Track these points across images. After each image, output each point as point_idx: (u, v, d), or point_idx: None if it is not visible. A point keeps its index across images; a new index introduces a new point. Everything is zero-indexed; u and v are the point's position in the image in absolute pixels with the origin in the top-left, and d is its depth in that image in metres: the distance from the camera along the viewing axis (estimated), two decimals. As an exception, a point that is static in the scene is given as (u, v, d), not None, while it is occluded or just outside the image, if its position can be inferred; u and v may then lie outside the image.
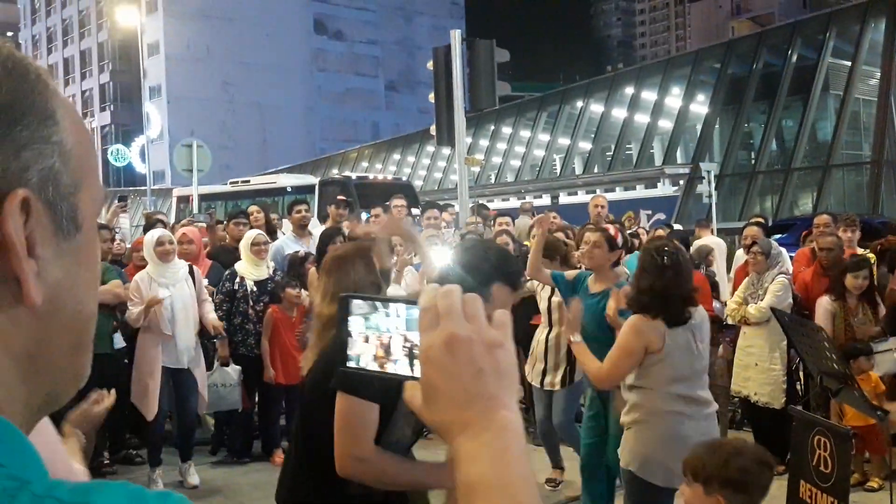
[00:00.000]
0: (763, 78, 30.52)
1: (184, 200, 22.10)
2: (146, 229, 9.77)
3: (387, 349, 0.98)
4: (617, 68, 64.75)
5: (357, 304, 1.00)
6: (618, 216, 10.13)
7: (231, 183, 23.53)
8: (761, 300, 6.96)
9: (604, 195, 11.12)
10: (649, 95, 34.32)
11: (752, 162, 30.49)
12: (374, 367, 0.99)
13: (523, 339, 6.80)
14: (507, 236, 8.78)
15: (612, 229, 5.71)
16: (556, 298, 6.45)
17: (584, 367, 4.61)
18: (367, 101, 71.34)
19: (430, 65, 13.35)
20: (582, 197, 26.74)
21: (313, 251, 7.77)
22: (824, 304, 6.99)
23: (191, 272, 6.93)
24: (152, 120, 45.98)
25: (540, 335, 6.61)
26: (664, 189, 28.62)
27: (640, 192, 29.94)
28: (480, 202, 16.92)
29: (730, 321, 7.47)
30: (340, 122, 68.66)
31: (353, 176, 21.81)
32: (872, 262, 7.33)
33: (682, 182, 29.14)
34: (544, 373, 6.47)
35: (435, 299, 0.93)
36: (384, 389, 2.66)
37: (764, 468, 2.83)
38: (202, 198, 20.12)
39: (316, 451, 2.81)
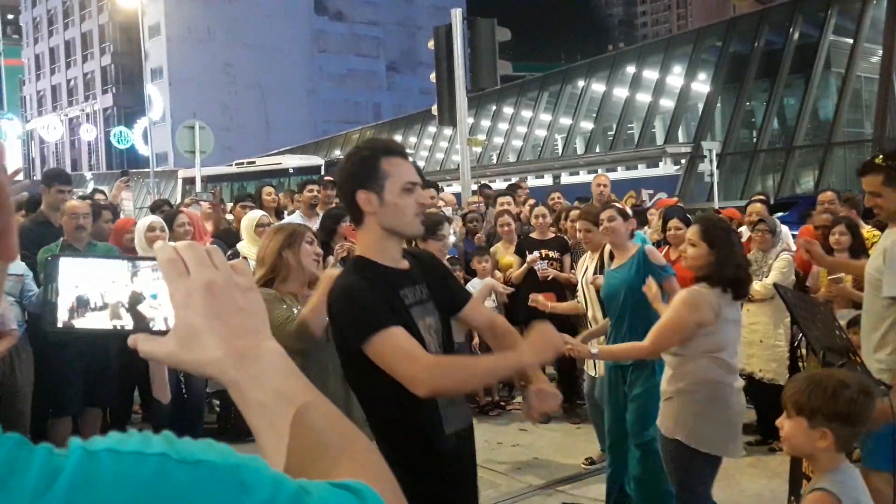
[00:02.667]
0: (764, 56, 30.44)
1: (189, 182, 22.14)
2: (153, 211, 9.81)
3: (115, 304, 0.99)
4: (618, 47, 64.47)
5: (67, 264, 0.99)
6: (620, 195, 10.16)
7: (236, 164, 23.56)
8: (766, 277, 7.01)
9: (606, 174, 11.13)
10: (651, 74, 34.24)
11: (754, 140, 30.45)
12: (99, 324, 0.99)
13: (527, 319, 6.84)
14: (509, 216, 8.83)
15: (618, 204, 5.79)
16: (587, 277, 6.46)
17: (624, 357, 4.63)
18: (368, 82, 71.20)
19: (431, 45, 13.33)
20: (584, 177, 26.75)
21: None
22: (815, 267, 7.07)
23: None
24: (154, 102, 45.90)
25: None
26: (666, 168, 28.64)
27: (642, 171, 29.95)
28: (483, 182, 16.94)
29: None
30: (342, 103, 68.56)
31: None
32: (871, 239, 7.35)
33: (683, 161, 29.15)
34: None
35: (176, 252, 0.98)
36: (393, 311, 2.68)
37: (869, 399, 2.77)
38: (207, 179, 20.18)
39: (374, 418, 2.80)
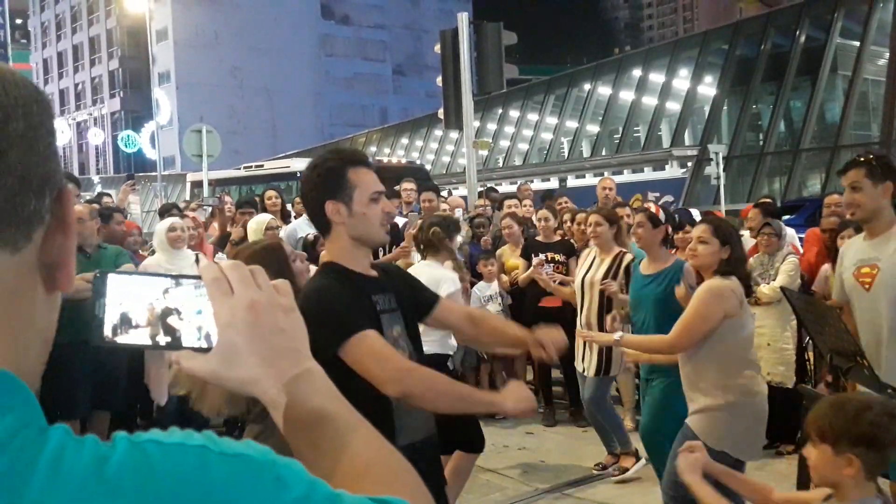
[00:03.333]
0: (771, 59, 30.40)
1: (198, 185, 22.20)
2: (161, 217, 9.84)
3: (157, 321, 0.98)
4: (624, 50, 64.48)
5: (115, 280, 0.99)
6: (626, 199, 10.16)
7: (244, 167, 23.58)
8: (772, 280, 7.01)
9: (612, 178, 11.14)
10: (657, 77, 34.22)
11: (761, 143, 30.41)
12: (141, 340, 0.99)
13: (534, 321, 6.84)
14: (512, 219, 8.84)
15: (653, 207, 5.78)
16: (590, 276, 6.47)
17: (647, 349, 4.57)
18: (374, 86, 71.28)
19: (437, 48, 13.35)
20: (590, 180, 26.74)
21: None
22: (823, 269, 7.07)
23: (197, 261, 7.00)
24: (162, 106, 45.96)
25: (578, 319, 6.51)
26: (672, 171, 28.61)
27: (649, 174, 29.93)
28: (489, 185, 16.95)
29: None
30: (349, 107, 68.65)
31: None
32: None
33: (690, 164, 29.11)
34: (583, 357, 6.42)
35: (221, 271, 0.99)
36: (367, 315, 2.71)
37: (893, 420, 2.63)
38: (216, 182, 20.22)
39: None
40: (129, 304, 0.98)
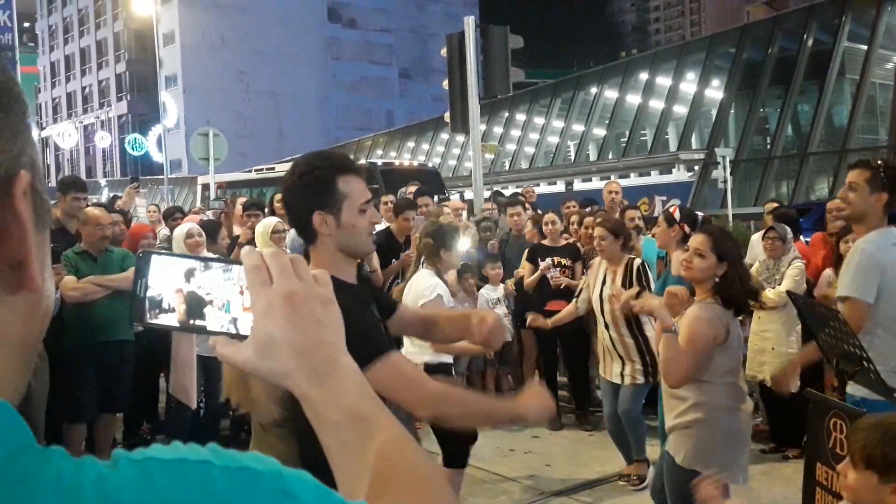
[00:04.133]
0: (778, 62, 30.37)
1: (209, 188, 22.27)
2: (166, 220, 9.85)
3: (191, 303, 0.99)
4: (631, 54, 64.47)
5: (158, 261, 1.00)
6: (632, 202, 10.15)
7: (256, 170, 23.60)
8: (778, 285, 6.99)
9: (618, 181, 11.14)
10: (664, 81, 34.20)
11: (768, 147, 30.36)
12: (175, 322, 1.00)
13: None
14: (531, 220, 8.86)
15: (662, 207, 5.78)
16: (607, 291, 6.45)
17: (670, 363, 4.17)
18: (381, 89, 71.37)
19: (443, 52, 13.37)
20: (596, 183, 26.72)
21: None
22: (825, 274, 7.06)
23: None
24: (168, 109, 46.10)
25: (603, 334, 6.43)
26: (679, 175, 28.60)
27: (655, 177, 29.92)
28: (496, 189, 16.95)
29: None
30: (355, 111, 68.74)
31: (379, 162, 21.72)
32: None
33: (697, 168, 29.10)
34: (622, 367, 6.31)
35: (262, 259, 0.98)
36: (384, 333, 2.65)
37: None
38: (228, 185, 20.26)
39: None
40: (167, 285, 0.99)
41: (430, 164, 29.08)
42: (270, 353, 0.97)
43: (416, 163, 28.49)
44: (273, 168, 23.02)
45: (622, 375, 6.30)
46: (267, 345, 0.97)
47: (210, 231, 7.42)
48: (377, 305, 2.89)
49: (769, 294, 6.96)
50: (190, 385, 6.65)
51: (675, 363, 4.04)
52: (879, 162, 4.45)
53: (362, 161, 25.16)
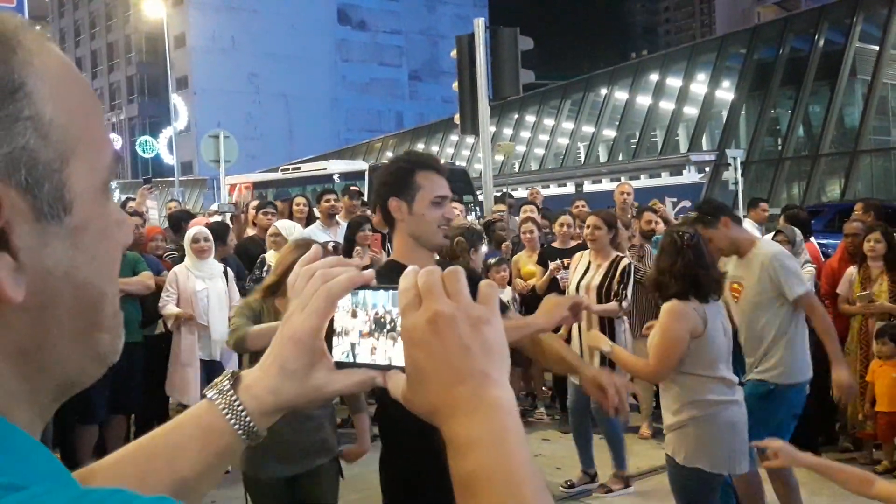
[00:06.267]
0: (789, 63, 30.26)
1: (237, 188, 22.28)
2: (171, 221, 9.86)
3: (370, 333, 0.95)
4: (641, 55, 64.37)
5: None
6: (643, 204, 10.12)
7: (282, 170, 23.58)
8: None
9: (629, 183, 11.11)
10: (674, 82, 34.12)
11: (779, 148, 30.26)
12: (362, 357, 0.95)
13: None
14: (533, 224, 8.81)
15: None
16: (586, 282, 6.42)
17: (631, 370, 4.52)
18: (390, 91, 71.42)
19: (453, 54, 13.36)
20: (606, 185, 26.63)
21: (341, 241, 7.81)
22: (847, 272, 7.02)
23: (225, 272, 7.01)
24: (179, 111, 46.26)
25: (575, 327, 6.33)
26: (690, 176, 28.46)
27: (666, 179, 29.78)
28: (506, 190, 16.93)
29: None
30: (365, 112, 68.79)
31: None
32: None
33: (707, 169, 28.98)
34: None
35: (415, 278, 0.87)
36: None
37: None
38: (254, 185, 20.30)
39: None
40: (343, 317, 0.96)
41: (458, 164, 28.51)
42: (419, 386, 0.86)
43: (442, 161, 28.10)
44: (298, 168, 22.88)
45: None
46: (415, 376, 0.86)
47: (218, 233, 7.43)
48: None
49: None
50: (184, 385, 6.66)
51: (636, 368, 4.41)
52: (699, 209, 5.28)
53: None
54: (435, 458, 1.01)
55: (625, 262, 6.39)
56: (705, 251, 4.33)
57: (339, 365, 0.96)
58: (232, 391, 0.98)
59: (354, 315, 0.95)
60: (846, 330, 7.04)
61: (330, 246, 7.65)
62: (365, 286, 0.95)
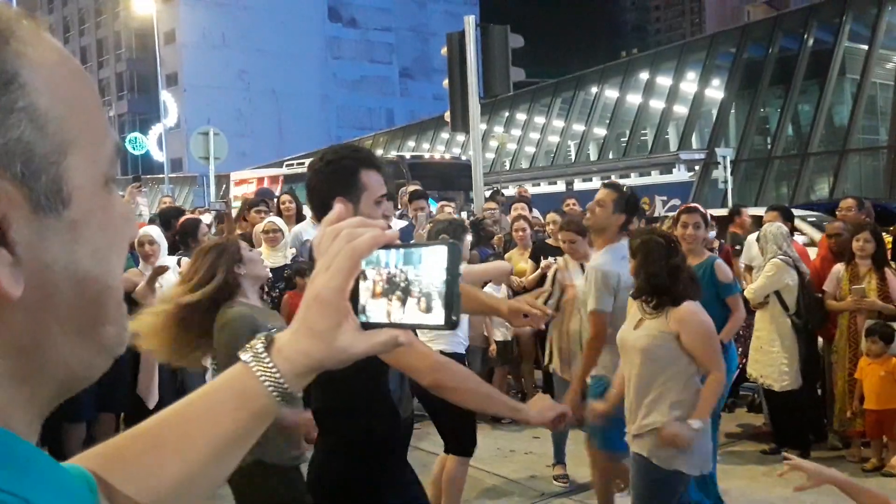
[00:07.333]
0: (779, 62, 30.35)
1: (242, 184, 21.99)
2: (161, 218, 9.82)
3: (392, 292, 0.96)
4: (631, 53, 64.46)
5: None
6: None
7: (287, 165, 23.31)
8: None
9: (619, 181, 11.13)
10: (664, 81, 34.19)
11: (768, 147, 30.36)
12: (379, 317, 0.97)
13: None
14: (524, 221, 8.82)
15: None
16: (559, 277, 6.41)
17: (712, 398, 4.30)
18: (381, 88, 71.38)
19: (444, 51, 13.34)
20: (597, 183, 26.64)
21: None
22: (835, 269, 7.03)
23: (179, 264, 6.92)
24: (169, 108, 46.17)
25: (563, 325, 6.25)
26: (679, 175, 28.54)
27: (656, 177, 29.86)
28: (496, 188, 16.93)
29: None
30: (355, 109, 68.74)
31: (408, 155, 21.24)
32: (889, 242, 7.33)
33: (697, 167, 29.08)
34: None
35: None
36: None
37: None
38: (285, 179, 20.08)
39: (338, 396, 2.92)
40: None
41: (463, 157, 28.02)
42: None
43: (447, 155, 26.31)
44: (303, 163, 22.53)
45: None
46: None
47: (188, 230, 7.40)
48: None
49: (746, 292, 6.97)
50: (152, 383, 6.59)
51: (712, 394, 4.22)
52: (627, 188, 5.42)
53: (391, 154, 24.75)
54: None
55: None
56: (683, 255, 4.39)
57: (366, 326, 0.97)
58: (265, 353, 0.98)
59: (379, 275, 0.97)
60: (834, 327, 7.07)
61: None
62: (389, 245, 0.96)
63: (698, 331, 4.17)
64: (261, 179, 21.84)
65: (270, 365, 0.97)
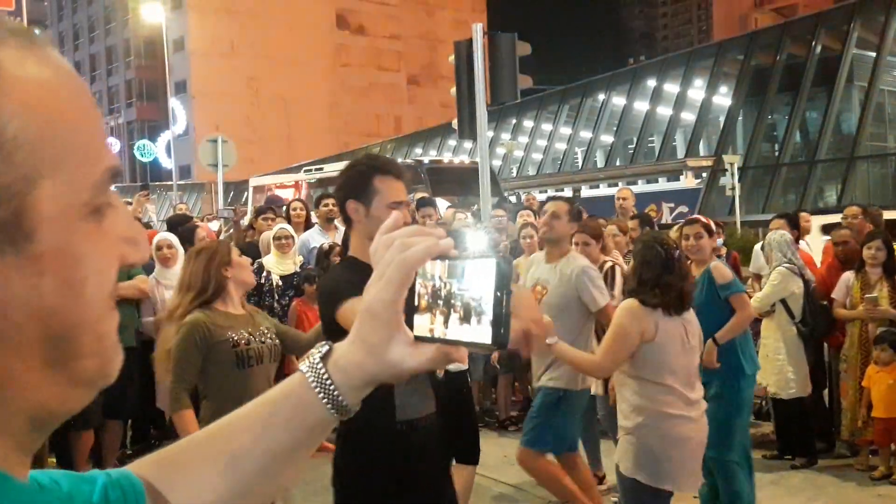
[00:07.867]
0: (787, 69, 30.29)
1: (260, 190, 21.92)
2: (169, 225, 9.87)
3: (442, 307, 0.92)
4: (639, 61, 64.49)
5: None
6: (640, 209, 10.14)
7: (304, 171, 23.23)
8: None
9: (629, 188, 11.09)
10: (672, 88, 34.16)
11: (776, 154, 30.30)
12: (424, 331, 0.93)
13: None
14: (531, 228, 8.82)
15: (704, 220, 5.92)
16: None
17: (577, 366, 4.60)
18: (389, 95, 71.48)
19: (451, 58, 13.35)
20: (604, 190, 26.67)
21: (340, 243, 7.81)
22: (844, 277, 7.02)
23: None
24: (177, 115, 46.30)
25: None
26: (687, 182, 28.49)
27: (663, 184, 29.88)
28: (505, 195, 16.93)
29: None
30: (363, 116, 68.83)
31: (426, 160, 21.11)
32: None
33: (704, 174, 29.02)
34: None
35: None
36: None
37: None
38: (320, 182, 20.04)
39: None
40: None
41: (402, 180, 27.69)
42: None
43: (466, 160, 26.57)
44: (321, 168, 22.44)
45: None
46: None
47: (186, 237, 7.48)
48: None
49: (752, 301, 6.96)
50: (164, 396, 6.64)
51: (580, 362, 4.50)
52: (574, 201, 6.01)
53: (408, 160, 24.52)
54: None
55: (609, 264, 6.44)
56: (684, 266, 4.37)
57: (419, 339, 0.93)
58: (321, 364, 0.94)
59: (431, 288, 0.93)
60: (842, 335, 7.06)
61: (325, 246, 7.59)
62: (443, 256, 0.93)
63: (611, 323, 4.32)
64: (257, 188, 21.85)
65: (325, 376, 0.94)
